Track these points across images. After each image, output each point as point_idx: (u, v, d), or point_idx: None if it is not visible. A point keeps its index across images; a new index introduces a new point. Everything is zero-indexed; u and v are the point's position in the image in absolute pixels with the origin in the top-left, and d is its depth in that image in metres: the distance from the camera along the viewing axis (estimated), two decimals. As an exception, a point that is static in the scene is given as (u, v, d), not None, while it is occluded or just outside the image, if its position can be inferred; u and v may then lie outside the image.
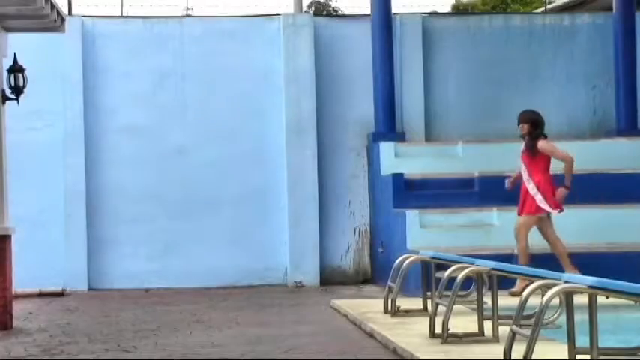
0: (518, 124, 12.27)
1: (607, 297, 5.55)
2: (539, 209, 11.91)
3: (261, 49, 16.44)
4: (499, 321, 7.88)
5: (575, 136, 16.52)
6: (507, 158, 15.08)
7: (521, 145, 12.28)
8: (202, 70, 16.33)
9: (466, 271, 8.09)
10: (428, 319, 8.43)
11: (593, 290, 5.65)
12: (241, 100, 16.35)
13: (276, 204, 16.18)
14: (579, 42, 17.13)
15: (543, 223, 11.98)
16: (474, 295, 8.83)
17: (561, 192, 11.97)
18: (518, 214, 12.12)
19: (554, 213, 11.95)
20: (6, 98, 11.00)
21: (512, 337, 6.30)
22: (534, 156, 12.08)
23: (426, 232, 13.61)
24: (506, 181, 12.51)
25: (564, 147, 15.49)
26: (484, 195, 14.49)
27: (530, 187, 11.95)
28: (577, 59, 17.10)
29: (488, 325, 7.95)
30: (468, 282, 8.48)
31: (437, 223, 13.83)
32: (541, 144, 12.10)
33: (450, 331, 7.92)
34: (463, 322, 8.53)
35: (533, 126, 12.17)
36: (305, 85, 16.29)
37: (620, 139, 15.94)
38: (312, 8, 32.28)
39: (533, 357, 5.86)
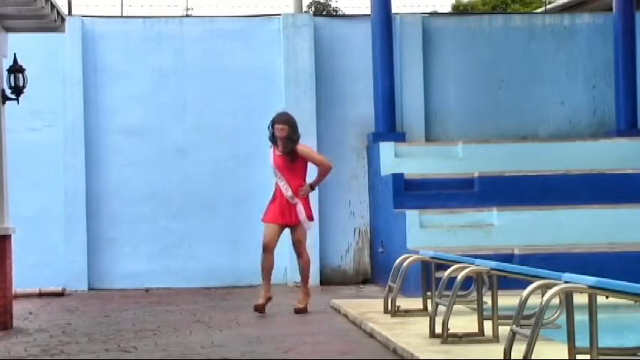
0: (274, 125, 11.33)
1: (607, 297, 5.55)
2: (311, 216, 11.35)
3: (261, 49, 16.45)
4: (499, 321, 7.87)
5: (575, 136, 16.55)
6: (507, 158, 15.16)
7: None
8: (202, 70, 16.34)
9: (466, 271, 8.09)
10: (428, 319, 8.42)
11: (593, 290, 5.64)
12: (241, 100, 16.36)
13: (276, 204, 16.15)
14: (579, 42, 17.14)
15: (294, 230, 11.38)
16: (473, 295, 8.83)
17: (307, 187, 11.27)
18: (286, 224, 11.25)
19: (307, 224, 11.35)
20: (6, 98, 11.00)
21: (512, 337, 6.29)
22: (294, 161, 11.29)
23: (426, 232, 13.61)
24: (289, 197, 11.29)
25: (564, 147, 15.66)
26: (484, 195, 14.50)
27: (290, 196, 11.19)
28: (577, 59, 17.11)
29: (488, 325, 7.95)
30: (468, 282, 8.48)
31: (437, 223, 13.83)
32: (301, 148, 11.36)
33: (450, 331, 7.92)
34: (463, 322, 8.53)
35: (293, 128, 11.33)
36: (305, 85, 16.30)
37: (620, 139, 15.94)
38: (312, 8, 32.28)
39: (533, 357, 5.85)
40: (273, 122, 11.41)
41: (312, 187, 11.38)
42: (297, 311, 11.23)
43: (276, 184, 11.41)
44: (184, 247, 16.11)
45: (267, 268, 11.33)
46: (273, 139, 11.41)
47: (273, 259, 11.33)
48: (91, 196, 15.97)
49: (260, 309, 11.22)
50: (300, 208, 11.22)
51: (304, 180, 11.36)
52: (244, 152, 16.26)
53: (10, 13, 10.69)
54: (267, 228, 11.30)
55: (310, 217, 11.35)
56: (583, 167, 14.86)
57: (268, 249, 11.25)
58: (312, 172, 11.72)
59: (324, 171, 11.45)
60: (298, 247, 11.37)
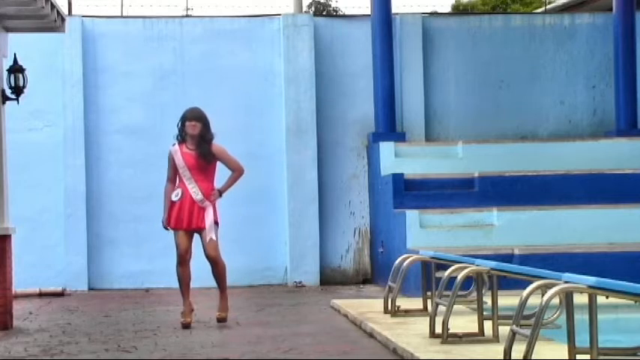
0: (185, 122, 10.42)
1: (607, 297, 5.55)
2: (217, 220, 10.28)
3: (261, 49, 16.45)
4: (499, 321, 7.88)
5: (575, 136, 16.55)
6: (507, 158, 15.16)
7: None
8: (202, 70, 16.34)
9: (466, 271, 8.09)
10: (428, 319, 8.43)
11: (593, 290, 5.65)
12: (241, 100, 16.36)
13: (276, 204, 16.17)
14: (579, 42, 17.14)
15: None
16: (474, 295, 8.84)
17: (216, 192, 10.28)
18: (195, 229, 10.22)
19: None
20: (6, 98, 10.99)
21: (512, 337, 6.29)
22: (209, 162, 10.31)
23: (426, 232, 13.61)
24: (199, 200, 10.23)
25: (564, 147, 15.66)
26: (484, 195, 14.50)
27: (200, 199, 10.15)
28: (577, 59, 17.11)
29: (488, 325, 7.95)
30: (468, 282, 8.49)
31: (437, 223, 13.83)
32: (217, 148, 10.38)
33: (450, 331, 7.92)
34: (463, 322, 8.53)
35: (206, 127, 10.42)
36: (305, 85, 16.30)
37: (620, 139, 15.95)
38: (312, 8, 32.28)
39: (533, 357, 5.85)
40: (184, 118, 10.50)
41: (220, 192, 10.36)
42: (220, 320, 10.48)
43: (182, 185, 10.30)
44: (184, 247, 16.07)
45: (185, 281, 10.58)
46: (181, 136, 10.45)
47: (190, 270, 10.55)
48: (91, 196, 15.97)
49: (188, 325, 10.28)
50: (210, 212, 10.24)
51: (213, 183, 10.39)
52: (244, 152, 16.18)
53: (10, 13, 10.69)
54: (179, 237, 10.30)
55: (216, 221, 10.29)
56: (583, 167, 14.86)
57: (185, 261, 10.42)
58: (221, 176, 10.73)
59: (237, 175, 10.49)
60: (218, 254, 10.43)
